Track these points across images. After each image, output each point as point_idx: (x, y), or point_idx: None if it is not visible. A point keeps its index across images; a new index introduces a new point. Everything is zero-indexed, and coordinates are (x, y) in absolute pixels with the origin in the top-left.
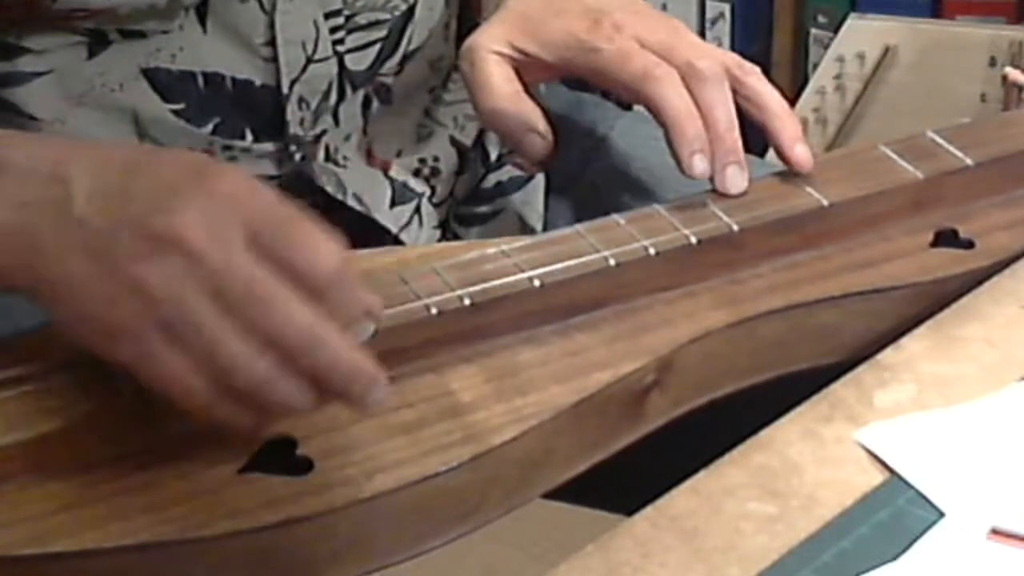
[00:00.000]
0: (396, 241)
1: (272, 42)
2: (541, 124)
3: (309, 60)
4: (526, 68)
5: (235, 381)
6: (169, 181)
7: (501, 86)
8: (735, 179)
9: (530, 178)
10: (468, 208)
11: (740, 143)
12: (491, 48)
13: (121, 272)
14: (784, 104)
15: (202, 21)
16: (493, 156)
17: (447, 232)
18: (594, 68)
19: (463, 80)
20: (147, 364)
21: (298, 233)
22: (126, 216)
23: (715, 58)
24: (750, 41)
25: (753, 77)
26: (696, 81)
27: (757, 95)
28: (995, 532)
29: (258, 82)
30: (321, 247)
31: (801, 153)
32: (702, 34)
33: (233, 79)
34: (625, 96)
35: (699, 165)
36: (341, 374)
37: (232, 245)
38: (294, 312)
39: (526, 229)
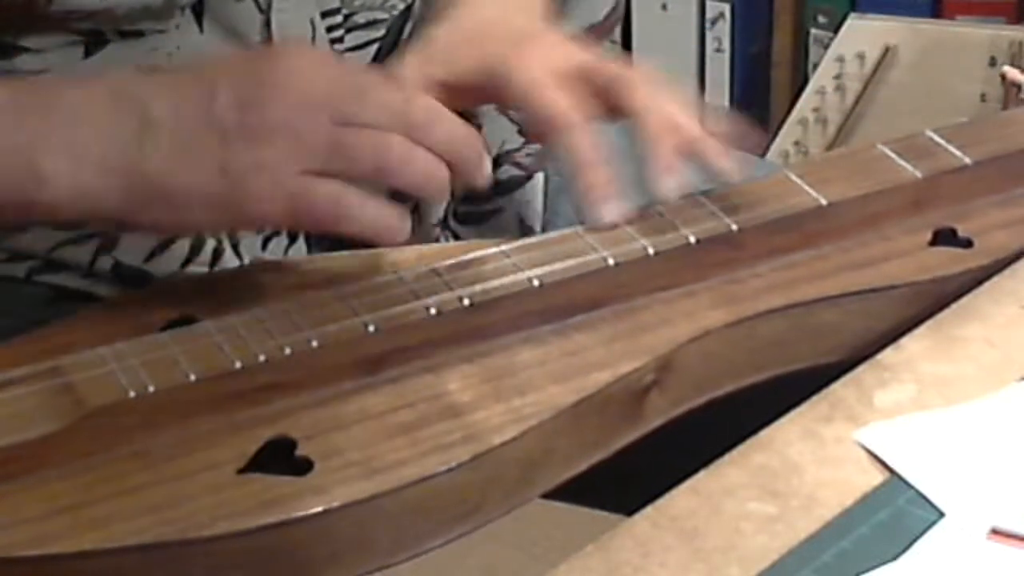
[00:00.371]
0: None
1: (268, 41)
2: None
3: None
4: (446, 96)
5: (380, 172)
6: (242, 63)
7: None
8: (669, 183)
9: (529, 177)
10: (467, 207)
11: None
12: (412, 77)
13: (239, 145)
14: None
15: (198, 20)
16: (492, 154)
17: (446, 231)
18: (505, 97)
19: None
20: (305, 205)
21: (378, 86)
22: (216, 101)
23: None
24: (750, 41)
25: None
26: (626, 88)
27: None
28: (995, 532)
29: None
30: (403, 91)
31: (608, 210)
32: (702, 34)
33: None
34: (532, 133)
35: (609, 212)
36: (463, 141)
37: (334, 66)
38: (408, 96)
39: (525, 228)
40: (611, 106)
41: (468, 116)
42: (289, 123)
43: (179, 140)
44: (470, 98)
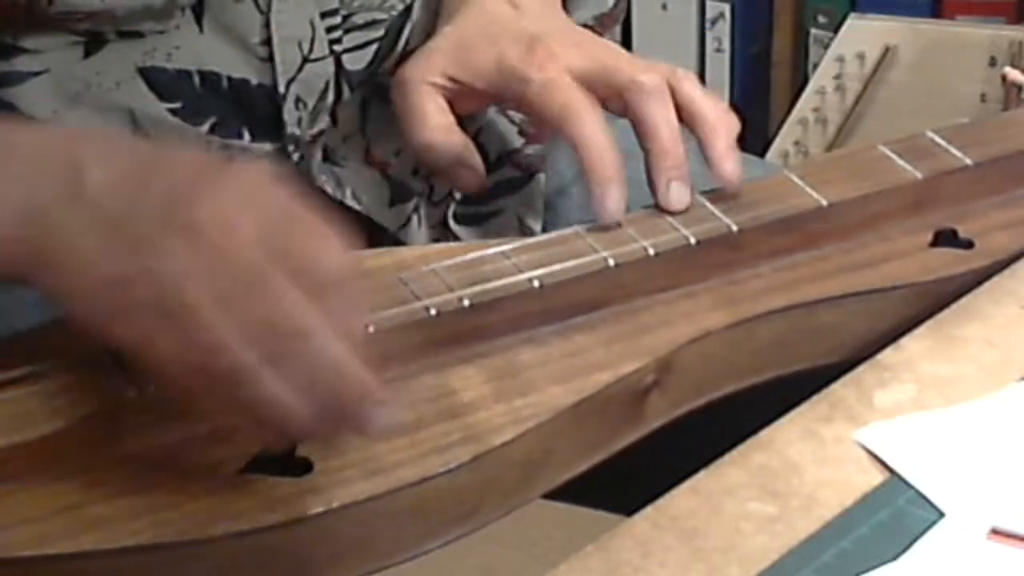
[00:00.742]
0: (395, 240)
1: (268, 41)
2: (472, 157)
3: (305, 59)
4: (459, 97)
5: (218, 364)
6: (187, 173)
7: (433, 118)
8: (679, 194)
9: (529, 178)
10: (467, 208)
11: (684, 158)
12: (424, 79)
13: (133, 254)
14: (720, 113)
15: (198, 20)
16: (493, 157)
17: (446, 232)
18: (521, 99)
19: (396, 111)
20: (139, 343)
21: (307, 231)
22: (143, 202)
23: (656, 71)
24: (750, 41)
25: (687, 83)
26: (639, 95)
27: (690, 102)
28: (995, 532)
29: (254, 81)
30: (328, 247)
31: (730, 170)
32: (702, 34)
33: (229, 78)
34: (549, 128)
35: (610, 206)
36: (331, 376)
37: (244, 239)
38: (292, 307)
39: (525, 229)
40: (624, 109)
41: (468, 120)
42: (169, 267)
43: (94, 220)
44: (485, 98)
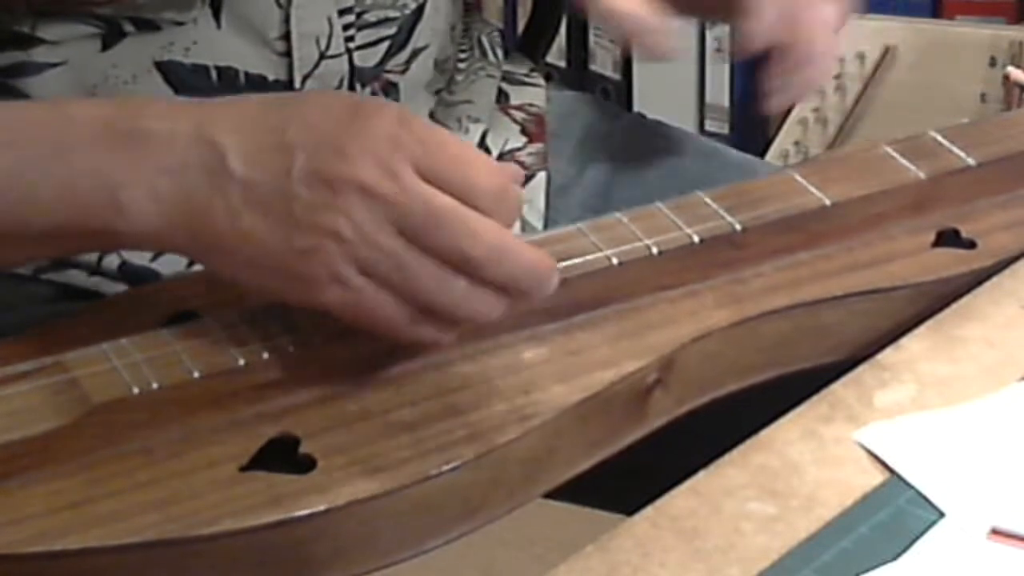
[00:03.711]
0: None
1: (287, 36)
2: (654, 20)
3: (322, 56)
4: None
5: (434, 305)
6: (324, 128)
7: None
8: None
9: (531, 177)
10: None
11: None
12: None
13: (306, 223)
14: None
15: (216, 15)
16: (495, 154)
17: None
18: None
19: None
20: (353, 303)
21: (458, 155)
22: (292, 169)
23: None
24: None
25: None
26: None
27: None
28: (995, 532)
29: (271, 77)
30: (480, 165)
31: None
32: (702, 34)
33: (246, 73)
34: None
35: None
36: (526, 276)
37: (403, 177)
38: (476, 230)
39: (527, 228)
40: None
41: (470, 120)
42: (356, 224)
43: (249, 198)
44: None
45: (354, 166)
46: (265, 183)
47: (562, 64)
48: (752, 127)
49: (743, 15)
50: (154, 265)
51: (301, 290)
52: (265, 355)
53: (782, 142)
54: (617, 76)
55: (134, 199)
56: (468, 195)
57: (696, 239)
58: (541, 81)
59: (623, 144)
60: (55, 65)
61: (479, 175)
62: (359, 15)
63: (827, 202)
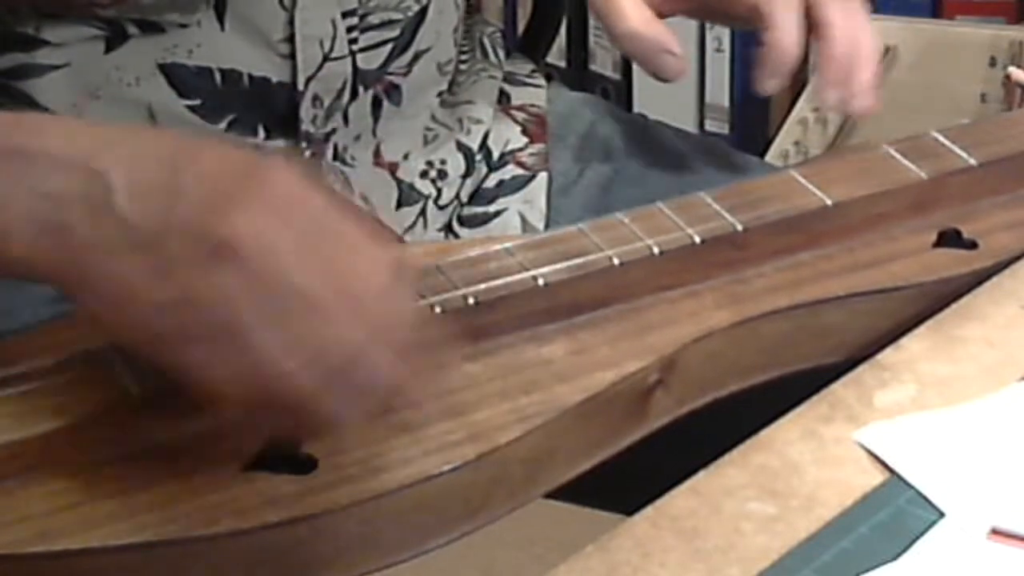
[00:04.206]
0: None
1: (290, 39)
2: (675, 44)
3: (326, 58)
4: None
5: (281, 396)
6: (217, 181)
7: (632, 9)
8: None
9: (532, 177)
10: (470, 208)
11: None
12: None
13: (173, 278)
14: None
15: (220, 18)
16: (496, 156)
17: (450, 236)
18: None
19: (592, 9)
20: (193, 371)
21: (345, 244)
22: (175, 217)
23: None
24: (750, 41)
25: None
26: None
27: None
28: (995, 532)
29: (274, 79)
30: (367, 259)
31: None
32: (702, 34)
33: (250, 76)
34: (742, 22)
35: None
36: (383, 392)
37: (284, 254)
38: (341, 328)
39: (528, 229)
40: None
41: (471, 121)
42: (215, 289)
43: (125, 239)
44: (674, 3)
45: (231, 229)
46: (142, 226)
47: (562, 64)
48: (752, 127)
49: (764, 26)
50: None
51: (149, 345)
52: None
53: (782, 142)
54: (617, 76)
55: (9, 220)
56: (345, 284)
57: (697, 239)
58: (542, 82)
59: (624, 144)
60: (58, 67)
61: (366, 270)
62: (363, 17)
63: (828, 202)
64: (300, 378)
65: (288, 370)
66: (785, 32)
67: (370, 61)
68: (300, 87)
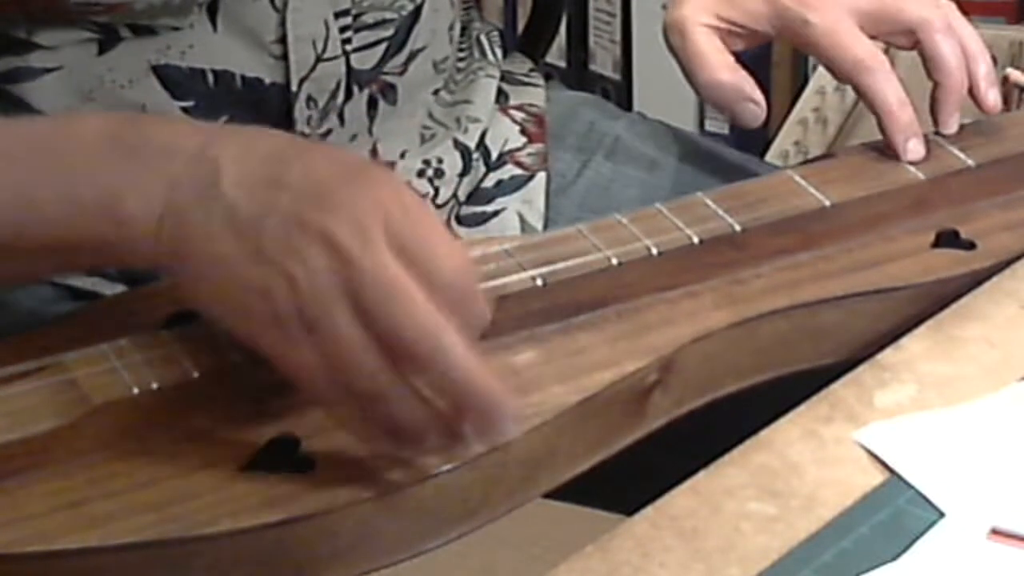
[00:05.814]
0: None
1: (283, 40)
2: (756, 93)
3: (319, 58)
4: (731, 38)
5: (357, 386)
6: (322, 176)
7: (715, 57)
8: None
9: (531, 177)
10: (469, 208)
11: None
12: (699, 20)
13: (268, 260)
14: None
15: (212, 19)
16: (494, 155)
17: None
18: (804, 42)
19: (673, 53)
20: (282, 352)
21: (435, 237)
22: (277, 205)
23: (937, 6)
24: None
25: (962, 25)
26: (931, 33)
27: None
28: (995, 532)
29: (267, 80)
30: (451, 254)
31: (913, 149)
32: None
33: (243, 77)
34: (835, 76)
35: (914, 150)
36: (464, 390)
37: (372, 241)
38: (425, 318)
39: (527, 229)
40: (914, 44)
41: (469, 120)
42: (311, 273)
43: (228, 222)
44: (757, 39)
45: (331, 217)
46: (247, 211)
47: (562, 64)
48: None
49: (821, 55)
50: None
51: (244, 325)
52: None
53: (782, 142)
54: (617, 76)
55: (131, 208)
56: (429, 276)
57: (696, 240)
58: (541, 81)
59: (623, 144)
60: (52, 70)
61: (445, 261)
62: (356, 17)
63: (827, 203)
64: (381, 373)
65: (369, 362)
66: (891, 100)
67: (364, 61)
68: (293, 88)
